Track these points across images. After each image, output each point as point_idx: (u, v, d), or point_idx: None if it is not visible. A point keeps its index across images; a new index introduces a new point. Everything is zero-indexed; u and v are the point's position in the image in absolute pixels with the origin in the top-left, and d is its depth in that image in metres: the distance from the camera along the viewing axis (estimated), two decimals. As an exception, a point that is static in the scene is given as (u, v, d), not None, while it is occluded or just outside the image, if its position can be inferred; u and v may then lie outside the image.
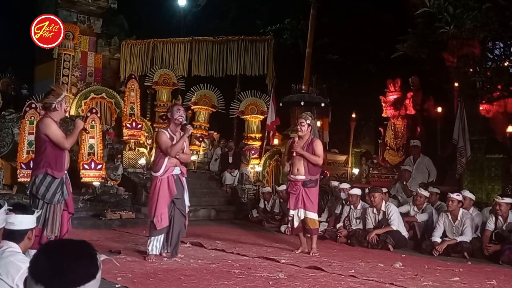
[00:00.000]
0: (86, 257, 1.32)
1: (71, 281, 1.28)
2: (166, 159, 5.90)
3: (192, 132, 6.44)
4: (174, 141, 5.94)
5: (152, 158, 12.66)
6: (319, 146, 6.74)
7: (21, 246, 2.88)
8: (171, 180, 5.91)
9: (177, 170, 5.98)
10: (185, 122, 6.26)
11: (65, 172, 5.20)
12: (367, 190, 8.37)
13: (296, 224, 6.74)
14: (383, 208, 7.52)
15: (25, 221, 2.93)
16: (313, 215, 6.73)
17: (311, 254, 6.56)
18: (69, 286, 1.27)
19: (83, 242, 1.39)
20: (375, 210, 7.62)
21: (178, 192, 5.97)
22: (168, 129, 6.01)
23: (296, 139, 6.67)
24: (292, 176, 6.74)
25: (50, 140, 4.97)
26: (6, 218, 2.88)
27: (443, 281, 5.17)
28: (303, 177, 6.65)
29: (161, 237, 5.91)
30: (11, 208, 2.94)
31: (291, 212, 6.71)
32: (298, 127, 6.75)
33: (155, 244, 5.87)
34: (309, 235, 6.75)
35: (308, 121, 6.73)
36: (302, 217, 6.70)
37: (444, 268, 5.93)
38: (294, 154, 6.61)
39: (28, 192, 8.77)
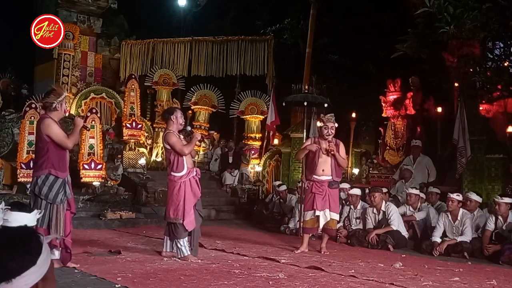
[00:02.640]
0: (20, 247, 1.25)
1: (4, 275, 1.21)
2: (185, 159, 5.97)
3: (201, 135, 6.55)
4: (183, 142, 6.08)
5: (154, 158, 12.73)
6: (343, 149, 6.82)
7: None
8: (193, 182, 6.02)
9: (194, 172, 6.10)
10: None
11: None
12: (367, 190, 8.37)
13: (322, 224, 6.75)
14: (383, 208, 7.53)
15: (20, 219, 2.89)
16: (336, 216, 6.83)
17: (322, 252, 6.69)
18: (3, 279, 1.21)
19: (18, 230, 1.33)
20: (375, 210, 7.62)
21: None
22: (174, 131, 6.05)
23: (330, 136, 6.66)
24: (316, 176, 6.70)
25: (52, 141, 4.98)
26: (3, 216, 2.87)
27: (443, 281, 5.17)
28: (329, 178, 6.66)
29: (187, 239, 5.98)
30: (9, 208, 2.93)
31: (317, 212, 6.66)
32: (328, 131, 6.67)
33: (185, 245, 5.93)
34: (310, 235, 6.77)
35: (336, 124, 6.75)
36: (328, 218, 6.71)
37: (444, 268, 5.93)
38: (331, 152, 6.60)
39: (28, 192, 8.86)
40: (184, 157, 5.96)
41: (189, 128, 6.97)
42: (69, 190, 5.16)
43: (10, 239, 1.28)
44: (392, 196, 9.05)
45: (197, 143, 6.55)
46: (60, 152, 5.05)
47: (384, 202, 7.63)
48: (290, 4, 16.85)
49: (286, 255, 6.40)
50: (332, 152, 6.60)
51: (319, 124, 7.02)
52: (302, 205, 7.20)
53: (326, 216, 6.69)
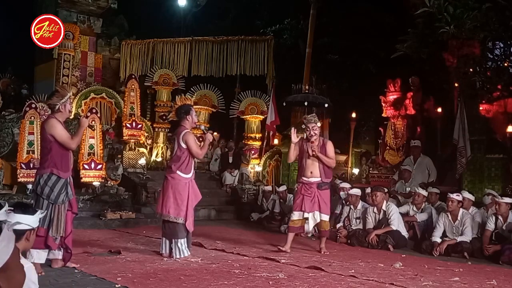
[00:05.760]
0: None
1: None
2: (193, 161, 5.99)
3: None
4: None
5: (154, 158, 12.73)
6: (331, 148, 6.76)
7: (20, 247, 2.86)
8: (194, 184, 6.09)
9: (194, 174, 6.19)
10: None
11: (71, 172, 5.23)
12: (367, 190, 8.37)
13: (311, 226, 6.77)
14: (384, 207, 7.52)
15: (22, 221, 2.89)
16: (327, 217, 6.82)
17: (322, 252, 6.69)
18: None
19: None
20: (375, 209, 7.61)
21: None
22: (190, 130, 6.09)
23: (313, 137, 6.63)
24: (305, 178, 6.71)
25: (55, 141, 5.01)
26: (7, 219, 2.86)
27: (443, 281, 5.17)
28: (317, 180, 6.66)
29: (185, 239, 6.03)
30: (12, 209, 2.92)
31: (306, 214, 6.66)
32: (311, 132, 6.63)
33: (185, 245, 5.98)
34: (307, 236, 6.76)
35: (319, 124, 6.73)
36: (318, 220, 6.71)
37: (444, 268, 5.93)
38: (312, 154, 6.58)
39: (28, 192, 8.87)
40: (193, 159, 5.98)
41: (202, 127, 6.96)
42: (71, 191, 5.17)
43: None
44: (392, 196, 9.05)
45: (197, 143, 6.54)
46: (63, 152, 5.08)
47: (385, 201, 7.63)
48: (290, 4, 16.86)
49: (286, 255, 6.39)
50: (313, 154, 6.59)
51: (303, 126, 6.93)
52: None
53: (315, 218, 6.69)
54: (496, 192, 7.97)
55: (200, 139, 8.92)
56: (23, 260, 2.75)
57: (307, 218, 6.71)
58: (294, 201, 6.99)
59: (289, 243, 6.68)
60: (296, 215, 6.74)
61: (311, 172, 6.67)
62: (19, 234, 2.86)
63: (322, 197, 6.68)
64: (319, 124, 6.72)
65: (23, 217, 2.89)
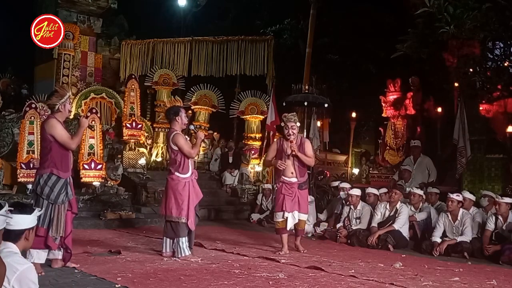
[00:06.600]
0: None
1: None
2: (190, 161, 6.01)
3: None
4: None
5: (154, 158, 12.73)
6: (309, 147, 6.79)
7: (19, 247, 2.86)
8: (195, 183, 6.11)
9: (195, 173, 6.19)
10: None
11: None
12: (367, 190, 8.38)
13: (290, 225, 6.75)
14: (397, 206, 7.52)
15: (21, 221, 2.88)
16: (305, 217, 6.90)
17: (302, 252, 6.70)
18: None
19: None
20: (388, 205, 7.61)
21: None
22: (180, 132, 6.09)
23: (291, 136, 6.60)
24: (286, 178, 6.71)
25: (55, 141, 5.01)
26: (6, 219, 2.86)
27: (443, 281, 5.18)
28: (296, 180, 6.68)
29: (186, 238, 6.04)
30: (12, 209, 2.92)
31: (286, 214, 6.67)
32: (290, 131, 6.60)
33: (186, 244, 5.99)
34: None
35: (298, 123, 6.72)
36: (297, 220, 6.74)
37: (444, 268, 5.94)
38: (291, 153, 6.57)
39: (28, 192, 8.87)
40: (189, 159, 5.98)
41: (192, 126, 6.98)
42: (71, 191, 5.17)
43: None
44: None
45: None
46: (63, 152, 5.08)
47: (399, 202, 7.62)
48: (290, 4, 16.85)
49: (286, 255, 6.40)
50: (293, 153, 6.58)
51: (282, 124, 6.91)
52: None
53: (294, 217, 6.70)
54: (496, 192, 7.97)
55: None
56: (23, 260, 2.75)
57: (287, 218, 6.70)
58: (276, 202, 6.97)
59: (285, 245, 6.67)
60: (279, 216, 6.74)
61: (291, 172, 6.68)
62: (17, 235, 2.86)
63: (302, 197, 6.71)
64: (298, 124, 6.71)
65: (20, 218, 2.89)
